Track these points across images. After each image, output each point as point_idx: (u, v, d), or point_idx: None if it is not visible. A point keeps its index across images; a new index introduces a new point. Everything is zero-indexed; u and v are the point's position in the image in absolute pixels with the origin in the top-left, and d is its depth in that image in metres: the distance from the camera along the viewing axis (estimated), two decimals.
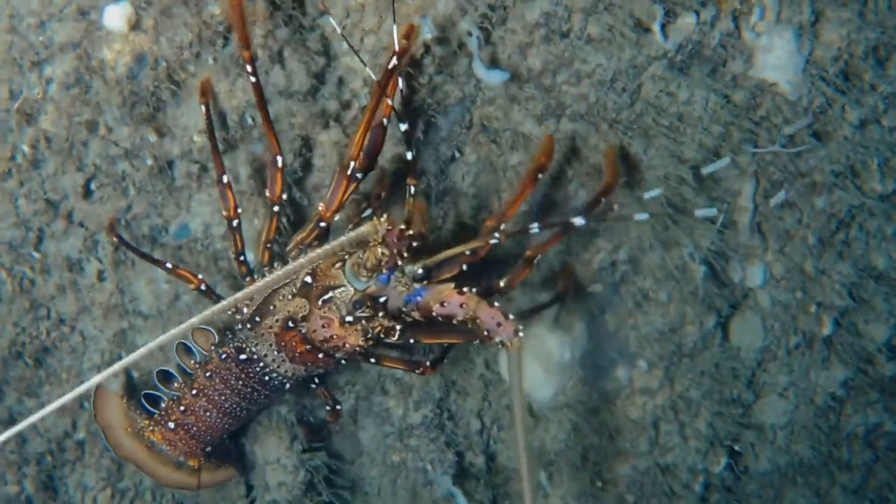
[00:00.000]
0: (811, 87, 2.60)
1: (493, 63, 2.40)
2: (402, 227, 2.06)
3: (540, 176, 2.20)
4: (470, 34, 2.35)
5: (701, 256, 2.66)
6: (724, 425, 2.90)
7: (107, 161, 2.25)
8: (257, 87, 2.07)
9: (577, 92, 2.45)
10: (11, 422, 2.51)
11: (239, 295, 1.78)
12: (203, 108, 2.18)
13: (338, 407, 2.52)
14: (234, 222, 2.21)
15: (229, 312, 2.29)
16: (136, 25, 2.09)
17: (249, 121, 2.29)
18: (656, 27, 2.45)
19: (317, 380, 2.45)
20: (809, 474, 3.06)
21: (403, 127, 2.02)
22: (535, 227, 2.05)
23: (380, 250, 2.05)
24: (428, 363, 2.44)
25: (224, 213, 2.21)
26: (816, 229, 2.79)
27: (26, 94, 2.11)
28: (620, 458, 2.87)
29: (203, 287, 2.27)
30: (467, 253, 2.19)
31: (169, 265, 2.27)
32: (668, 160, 2.54)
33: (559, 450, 2.83)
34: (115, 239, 2.28)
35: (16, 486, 2.54)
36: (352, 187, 2.15)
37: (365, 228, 1.99)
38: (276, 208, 2.20)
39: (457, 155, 2.54)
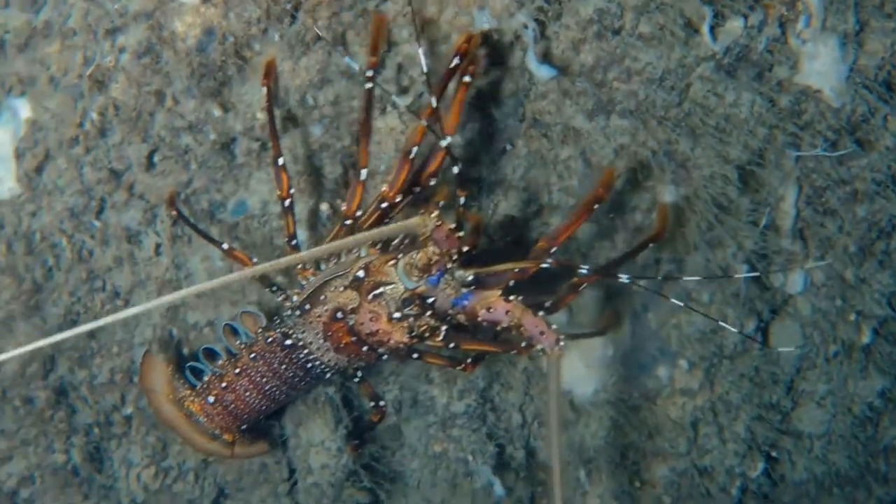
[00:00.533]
0: (854, 95, 2.65)
1: (547, 58, 2.46)
2: (452, 226, 2.12)
3: (596, 206, 2.26)
4: (526, 27, 2.41)
5: (744, 258, 2.70)
6: (762, 430, 2.91)
7: (171, 133, 2.32)
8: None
9: (627, 89, 2.51)
10: (63, 392, 2.56)
11: (281, 261, 1.84)
12: (265, 89, 2.25)
13: (381, 404, 2.55)
14: (287, 202, 2.27)
15: (279, 299, 2.35)
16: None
17: (311, 101, 2.35)
18: (705, 29, 2.51)
19: (359, 374, 2.48)
20: (846, 485, 3.06)
21: (445, 142, 2.11)
22: (584, 269, 2.22)
23: (431, 250, 2.11)
24: (469, 360, 2.48)
25: (278, 192, 2.27)
26: (857, 237, 2.82)
27: (99, 62, 2.19)
28: (659, 458, 2.88)
29: (253, 261, 2.33)
30: (516, 270, 2.24)
31: (225, 246, 2.33)
32: (714, 160, 2.59)
33: (599, 447, 2.85)
34: (174, 213, 2.34)
35: (63, 455, 2.58)
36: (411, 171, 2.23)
37: (414, 220, 2.05)
38: (347, 222, 2.27)
39: (508, 147, 2.60)
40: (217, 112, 2.31)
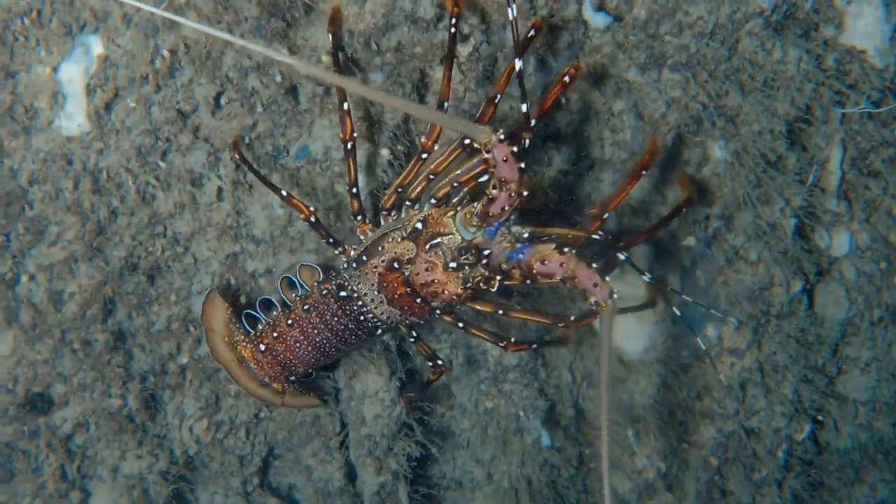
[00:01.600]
0: None
1: (601, 9, 2.53)
2: (515, 150, 2.10)
3: (644, 173, 2.29)
4: None
5: (792, 212, 2.73)
6: (808, 393, 2.93)
7: (239, 74, 2.36)
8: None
9: (678, 42, 2.57)
10: (121, 337, 2.58)
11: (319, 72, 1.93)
12: (330, 36, 2.30)
13: (439, 363, 2.57)
14: (349, 145, 2.31)
15: (336, 251, 2.40)
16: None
17: (374, 47, 2.40)
18: None
19: (414, 333, 2.51)
20: (889, 454, 3.06)
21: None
22: (623, 256, 2.34)
23: (493, 193, 2.13)
24: (512, 339, 2.52)
25: (340, 135, 2.31)
26: None
27: (173, 1, 2.24)
28: (706, 419, 2.89)
29: (313, 219, 2.37)
30: (569, 236, 2.28)
31: (284, 192, 2.36)
32: (763, 115, 2.64)
33: (647, 405, 2.86)
34: (237, 156, 2.38)
35: (119, 400, 2.59)
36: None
37: (481, 130, 2.03)
38: (423, 155, 2.29)
39: (563, 101, 2.64)
40: (283, 51, 2.35)
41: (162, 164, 2.43)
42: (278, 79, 2.39)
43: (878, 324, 2.96)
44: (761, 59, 2.60)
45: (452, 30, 2.22)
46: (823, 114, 2.73)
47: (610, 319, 2.10)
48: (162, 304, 2.60)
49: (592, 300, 2.12)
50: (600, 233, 2.28)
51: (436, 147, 2.28)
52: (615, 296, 2.10)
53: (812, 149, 2.78)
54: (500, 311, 2.46)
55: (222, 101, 2.41)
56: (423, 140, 2.27)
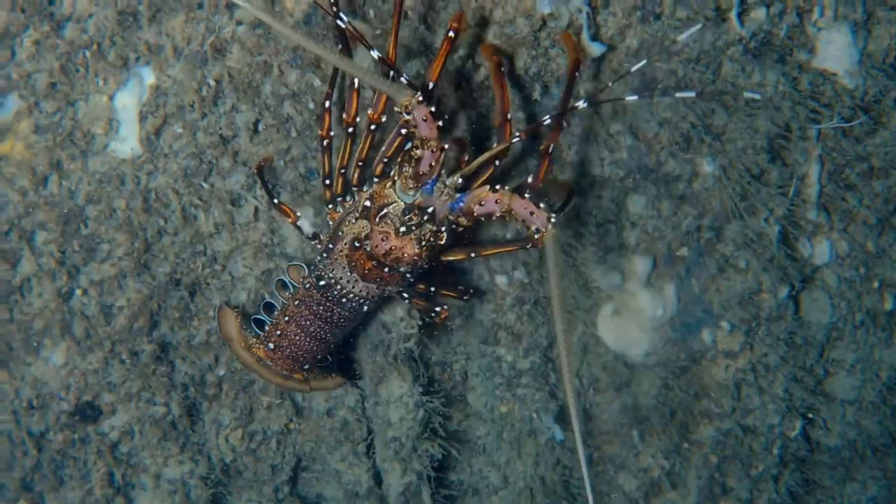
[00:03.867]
0: (866, 77, 3.01)
1: (597, 38, 2.81)
2: (433, 110, 2.26)
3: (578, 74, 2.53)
4: (580, 10, 2.76)
5: (776, 222, 2.99)
6: (799, 392, 3.16)
7: (276, 102, 2.62)
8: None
9: (668, 68, 2.84)
10: (164, 348, 2.79)
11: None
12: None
13: (438, 309, 2.73)
14: (325, 142, 2.53)
15: (314, 244, 2.62)
16: None
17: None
18: (734, 15, 2.87)
19: (405, 294, 2.69)
20: (878, 451, 3.28)
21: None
22: (547, 119, 2.39)
23: (418, 152, 2.33)
24: (472, 291, 2.76)
25: (319, 132, 2.53)
26: (875, 210, 3.13)
27: (219, 32, 2.50)
28: (705, 418, 3.11)
29: (299, 223, 2.62)
30: (495, 155, 2.47)
31: (276, 200, 2.61)
32: (746, 132, 2.91)
33: (651, 406, 3.08)
34: (255, 170, 2.62)
35: (164, 408, 2.79)
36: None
37: (400, 94, 2.23)
38: (349, 129, 2.51)
39: (564, 125, 2.90)
40: (317, 82, 2.61)
41: (205, 186, 2.66)
42: (311, 106, 2.63)
43: (860, 327, 3.21)
44: (742, 82, 2.88)
45: None
46: (801, 131, 3.00)
47: (553, 242, 2.23)
48: (202, 319, 2.81)
49: (533, 228, 2.28)
50: (517, 135, 2.40)
51: (383, 119, 2.47)
52: (553, 220, 2.25)
53: (792, 163, 3.05)
54: (473, 255, 2.65)
55: (260, 126, 2.65)
56: (370, 113, 2.47)
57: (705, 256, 3.03)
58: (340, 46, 2.46)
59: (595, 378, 3.12)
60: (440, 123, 2.29)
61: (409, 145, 2.42)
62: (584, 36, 2.77)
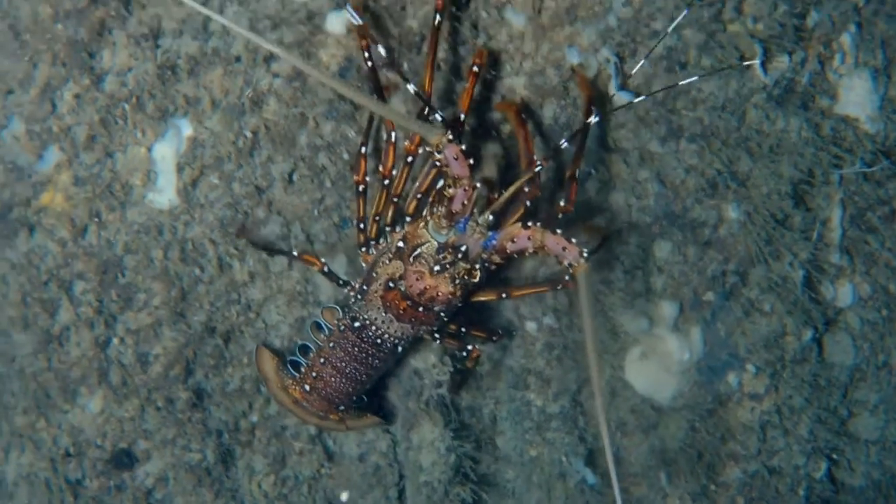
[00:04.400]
0: (887, 122, 3.06)
1: (624, 87, 2.85)
2: (463, 147, 2.30)
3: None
4: (608, 60, 2.81)
5: (800, 266, 3.03)
6: (823, 433, 3.19)
7: (311, 153, 2.66)
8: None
9: (693, 115, 2.89)
10: (199, 395, 2.81)
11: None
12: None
13: (469, 349, 2.78)
14: (361, 188, 2.58)
15: (346, 291, 2.65)
16: (350, 31, 2.55)
17: None
18: (757, 63, 2.93)
19: (436, 335, 2.73)
20: None
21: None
22: (564, 143, 2.43)
23: (451, 191, 2.37)
24: (500, 331, 2.83)
25: (355, 177, 2.58)
26: None
27: (256, 85, 2.55)
28: (731, 460, 3.14)
29: (326, 269, 2.66)
30: (526, 190, 2.53)
31: (295, 253, 2.66)
32: (770, 177, 2.95)
33: (678, 448, 3.10)
34: (244, 240, 2.68)
35: (199, 454, 2.81)
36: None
37: (432, 134, 2.26)
38: (385, 181, 2.56)
39: (592, 172, 2.95)
40: (351, 134, 2.65)
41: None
42: (345, 156, 2.68)
43: (882, 368, 3.24)
44: (766, 128, 2.93)
45: (437, 20, 2.46)
46: (824, 176, 3.04)
47: (585, 277, 2.23)
48: (236, 366, 2.84)
49: (566, 263, 2.31)
50: (540, 163, 2.43)
51: (419, 151, 2.52)
52: (585, 254, 2.28)
53: (815, 208, 3.09)
54: (503, 296, 2.69)
55: (294, 177, 2.69)
56: (406, 144, 2.52)
57: (731, 300, 3.07)
58: (374, 96, 2.50)
59: (623, 421, 3.15)
60: (471, 162, 2.33)
61: (440, 184, 2.45)
62: (613, 85, 2.81)
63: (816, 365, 3.16)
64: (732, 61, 2.86)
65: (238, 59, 2.55)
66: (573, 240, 2.30)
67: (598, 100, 2.71)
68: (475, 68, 2.47)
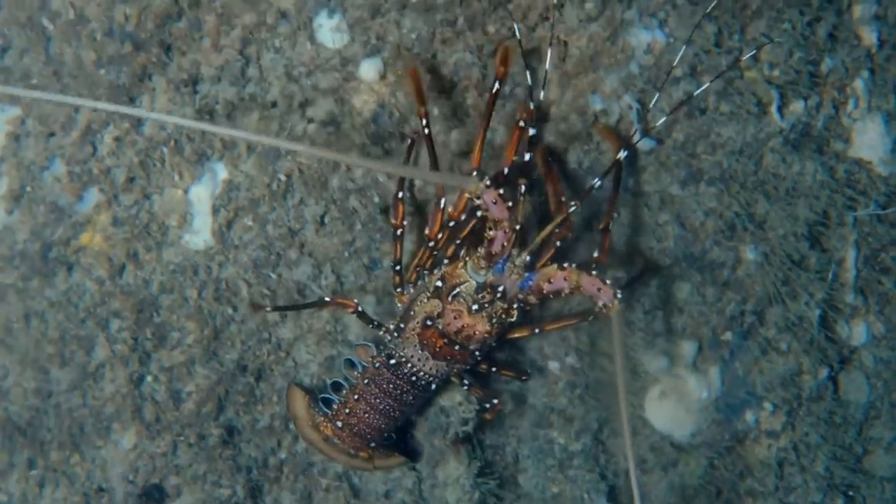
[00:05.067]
0: None
1: (646, 134, 2.94)
2: (501, 192, 2.38)
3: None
4: (630, 107, 2.89)
5: (816, 305, 3.11)
6: (839, 470, 3.24)
7: (342, 196, 2.73)
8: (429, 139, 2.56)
9: (713, 160, 2.97)
10: (230, 432, 2.87)
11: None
12: (409, 140, 2.69)
13: (494, 402, 2.85)
14: (399, 231, 2.66)
15: (381, 332, 2.73)
16: (383, 77, 2.63)
17: (455, 168, 2.79)
18: (774, 109, 3.01)
19: (465, 381, 2.80)
20: None
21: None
22: (597, 181, 2.53)
23: (490, 234, 2.45)
24: (528, 371, 2.91)
25: (392, 221, 2.66)
26: None
27: (291, 130, 2.63)
28: (750, 497, 3.19)
29: (360, 309, 2.71)
30: (556, 230, 2.60)
31: (327, 298, 2.71)
32: (787, 220, 3.03)
33: (697, 486, 3.16)
34: (267, 309, 2.76)
35: (229, 490, 2.86)
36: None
37: (469, 181, 2.35)
38: (430, 243, 2.66)
39: (616, 215, 3.02)
40: (381, 178, 2.73)
41: (273, 276, 2.76)
42: (376, 199, 2.75)
43: None
44: (783, 172, 3.01)
45: (495, 88, 2.54)
46: (838, 218, 3.12)
47: (619, 317, 2.33)
48: (266, 404, 2.90)
49: (600, 303, 2.39)
50: (573, 205, 2.54)
51: (462, 217, 2.62)
52: (619, 295, 2.37)
53: (830, 249, 3.17)
54: (537, 330, 2.77)
55: (326, 219, 2.76)
56: (450, 210, 2.62)
57: (748, 340, 3.14)
58: (409, 142, 2.58)
59: (643, 459, 3.20)
60: (510, 205, 2.40)
61: (471, 220, 2.57)
62: (634, 127, 2.89)
63: (832, 403, 3.23)
64: (750, 107, 2.94)
65: (274, 104, 2.63)
66: (607, 281, 2.38)
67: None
68: (521, 123, 2.56)
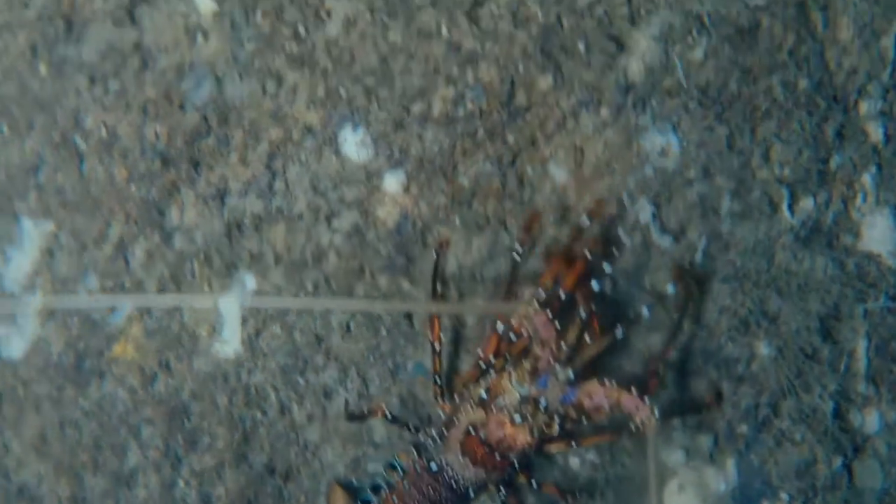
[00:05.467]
0: None
1: (665, 231, 3.02)
2: (549, 316, 2.55)
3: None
4: (646, 209, 2.98)
5: (829, 397, 3.17)
6: None
7: (367, 303, 2.81)
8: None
9: (725, 258, 3.05)
10: None
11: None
12: (435, 254, 2.77)
13: None
14: (437, 346, 2.76)
15: (421, 438, 2.81)
16: (406, 189, 2.71)
17: (477, 276, 2.87)
18: (784, 206, 3.09)
19: (503, 490, 2.87)
20: None
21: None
22: (645, 310, 2.70)
23: (536, 352, 2.58)
24: (576, 493, 2.98)
25: (429, 337, 2.76)
26: None
27: (318, 241, 2.71)
28: None
29: (390, 416, 2.81)
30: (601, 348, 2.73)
31: (366, 410, 2.84)
32: (799, 314, 3.10)
33: None
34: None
35: None
36: None
37: (519, 307, 2.53)
38: (482, 364, 2.74)
39: (632, 315, 3.09)
40: (406, 285, 2.81)
41: (301, 381, 2.83)
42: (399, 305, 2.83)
43: None
44: (794, 268, 3.08)
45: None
46: (849, 310, 3.19)
47: (653, 434, 2.51)
48: None
49: (637, 420, 2.54)
50: (619, 333, 2.67)
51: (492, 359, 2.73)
52: (656, 414, 2.52)
53: (842, 341, 3.23)
54: (574, 444, 2.86)
55: (352, 325, 2.83)
56: (481, 353, 2.73)
57: (763, 432, 3.19)
58: (436, 256, 2.70)
59: None
60: (558, 326, 2.54)
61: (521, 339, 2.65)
62: (653, 229, 2.97)
63: (847, 491, 3.27)
64: (762, 206, 3.02)
65: (300, 216, 2.71)
66: (646, 399, 2.52)
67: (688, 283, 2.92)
68: (588, 255, 2.71)
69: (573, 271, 2.76)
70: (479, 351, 2.73)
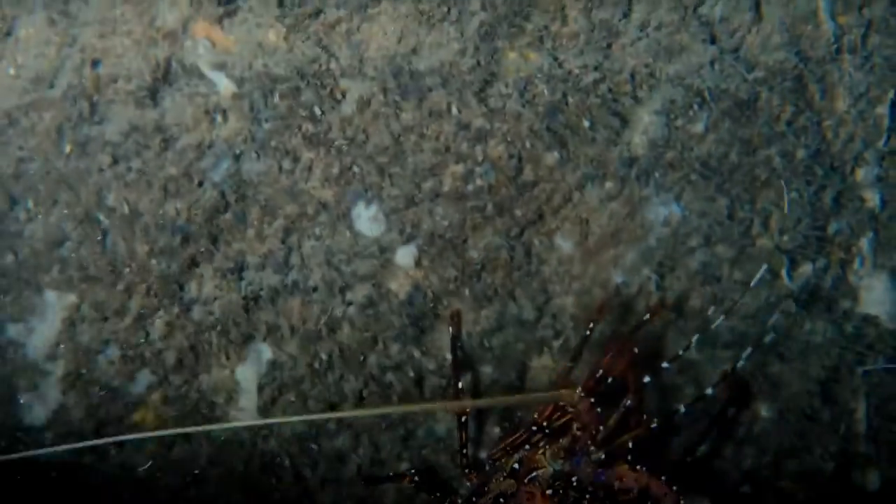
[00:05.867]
0: None
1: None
2: (593, 401, 2.65)
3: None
4: (649, 278, 3.07)
5: (830, 457, 3.25)
6: None
7: (380, 372, 2.90)
8: None
9: (728, 324, 3.13)
10: None
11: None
12: (451, 329, 2.86)
13: None
14: (463, 418, 2.84)
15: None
16: (418, 262, 2.81)
17: (486, 343, 2.96)
18: (784, 273, 3.18)
19: None
20: None
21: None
22: (681, 408, 2.77)
23: (575, 431, 2.66)
24: None
25: (455, 409, 2.84)
26: None
27: (332, 313, 2.80)
28: None
29: (415, 480, 2.87)
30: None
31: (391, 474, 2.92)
32: (799, 378, 3.19)
33: None
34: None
35: None
36: None
37: (566, 392, 2.62)
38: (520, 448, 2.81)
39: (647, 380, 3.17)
40: (416, 353, 2.89)
41: (314, 447, 2.91)
42: (411, 374, 2.91)
43: None
44: (794, 333, 3.17)
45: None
46: (849, 372, 3.28)
47: None
48: None
49: None
50: (655, 424, 2.72)
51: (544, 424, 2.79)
52: (682, 501, 2.58)
53: (841, 403, 3.31)
54: None
55: (364, 393, 2.92)
56: (536, 416, 2.80)
57: (764, 492, 3.27)
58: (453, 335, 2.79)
59: None
60: (599, 410, 2.63)
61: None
62: (655, 297, 3.06)
63: None
64: (763, 273, 3.11)
65: (315, 289, 2.79)
66: (674, 487, 2.59)
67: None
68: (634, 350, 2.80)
69: (624, 360, 2.85)
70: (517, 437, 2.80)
